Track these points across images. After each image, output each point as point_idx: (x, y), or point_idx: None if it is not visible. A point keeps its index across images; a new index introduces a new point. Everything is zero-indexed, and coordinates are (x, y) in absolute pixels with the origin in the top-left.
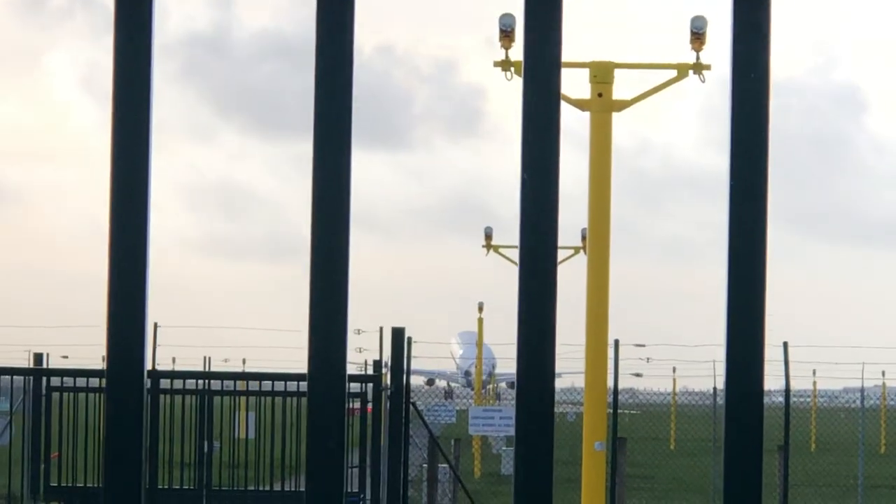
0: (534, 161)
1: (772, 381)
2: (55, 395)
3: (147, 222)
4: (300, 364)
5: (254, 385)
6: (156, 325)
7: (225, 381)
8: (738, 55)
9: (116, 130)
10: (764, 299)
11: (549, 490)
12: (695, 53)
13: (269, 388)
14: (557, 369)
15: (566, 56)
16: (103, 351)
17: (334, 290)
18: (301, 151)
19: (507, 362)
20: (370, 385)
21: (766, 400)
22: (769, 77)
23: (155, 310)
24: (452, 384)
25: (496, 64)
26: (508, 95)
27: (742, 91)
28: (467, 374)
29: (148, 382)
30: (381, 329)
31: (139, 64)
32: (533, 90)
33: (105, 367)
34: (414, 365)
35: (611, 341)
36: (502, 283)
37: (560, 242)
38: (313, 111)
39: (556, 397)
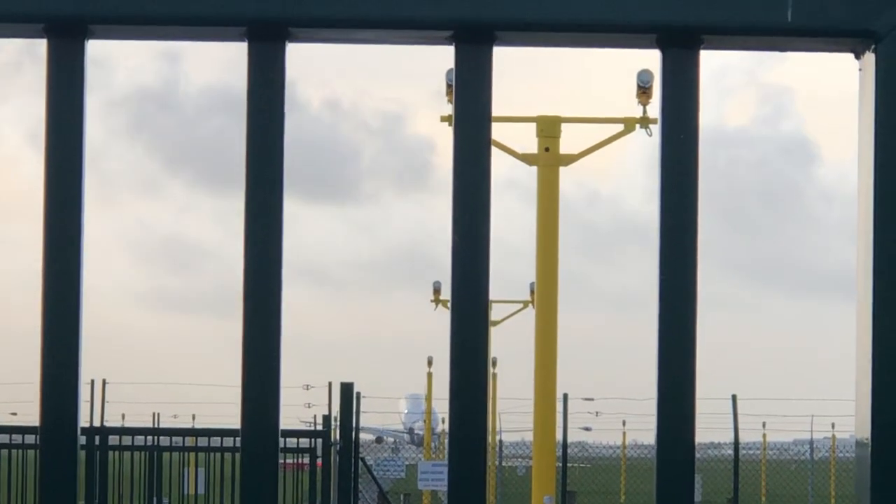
0: (464, 222)
1: (721, 433)
2: (3, 451)
3: (80, 274)
4: None
5: (203, 441)
6: (104, 382)
7: (174, 437)
8: (666, 116)
9: (49, 186)
10: (694, 355)
11: None
12: (641, 107)
13: (219, 444)
14: (506, 424)
15: (513, 111)
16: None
17: (267, 344)
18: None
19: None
20: (319, 440)
21: (715, 453)
22: (698, 137)
23: (104, 365)
24: (398, 442)
25: (443, 119)
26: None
27: (671, 151)
28: (411, 430)
29: (96, 439)
30: (329, 384)
31: (72, 112)
32: (463, 146)
33: (39, 424)
34: (362, 421)
35: (559, 395)
36: None
37: (508, 296)
38: (245, 164)
39: (506, 451)
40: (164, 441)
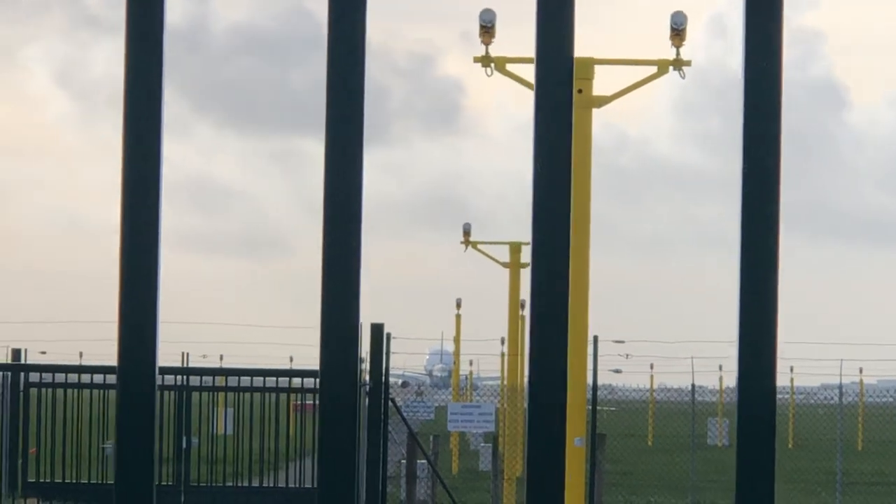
0: (546, 153)
1: None
2: (33, 391)
3: (158, 221)
4: (278, 360)
5: (232, 381)
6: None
7: (203, 377)
8: (750, 42)
9: (128, 131)
10: (776, 293)
11: (561, 484)
12: (675, 49)
13: (248, 384)
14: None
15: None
16: (81, 346)
17: (346, 289)
18: (276, 146)
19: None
20: None
21: None
22: (781, 65)
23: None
24: (422, 384)
25: (476, 59)
26: (487, 90)
27: (754, 80)
28: (430, 372)
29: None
30: (359, 325)
31: (150, 65)
32: (544, 82)
33: (117, 365)
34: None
35: (590, 338)
36: (481, 279)
37: None
38: (326, 111)
39: None
40: (193, 381)
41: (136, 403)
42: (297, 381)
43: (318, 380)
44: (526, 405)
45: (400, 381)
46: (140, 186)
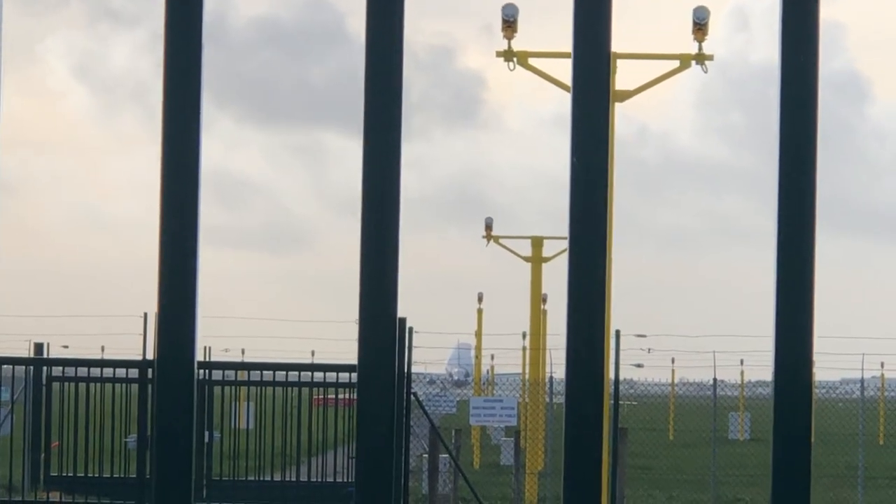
0: (583, 146)
1: (768, 372)
2: (55, 384)
3: (197, 215)
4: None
5: (253, 375)
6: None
7: (225, 372)
8: (787, 39)
9: (166, 127)
10: (813, 289)
11: (598, 479)
12: (697, 44)
13: (269, 378)
14: (557, 360)
15: (567, 46)
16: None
17: (383, 282)
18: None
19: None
20: None
21: (764, 391)
22: (818, 61)
23: (154, 299)
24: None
25: (499, 54)
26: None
27: (790, 76)
28: (450, 373)
29: (149, 372)
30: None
31: (189, 60)
32: (582, 76)
33: (155, 359)
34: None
35: (612, 332)
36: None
37: (561, 232)
38: (363, 106)
39: (557, 387)
40: (215, 375)
41: (175, 397)
42: (318, 375)
43: (338, 373)
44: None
45: (427, 379)
46: (179, 182)
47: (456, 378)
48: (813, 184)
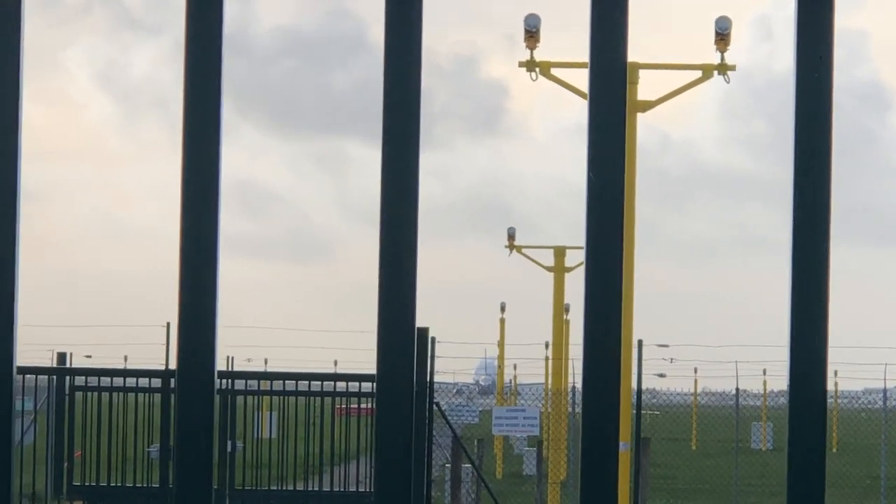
0: (600, 159)
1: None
2: (78, 394)
3: (218, 223)
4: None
5: (276, 385)
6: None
7: (248, 381)
8: (802, 53)
9: (187, 136)
10: (827, 298)
11: (615, 490)
12: (719, 54)
13: (292, 388)
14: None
15: (587, 56)
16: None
17: (402, 291)
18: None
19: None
20: None
21: (783, 401)
22: (832, 76)
23: (175, 309)
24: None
25: (521, 64)
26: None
27: (806, 90)
28: (477, 382)
29: (171, 382)
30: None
31: (210, 69)
32: (598, 88)
33: (176, 368)
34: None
35: (634, 342)
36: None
37: (582, 243)
38: (382, 115)
39: (579, 398)
40: (238, 385)
41: (196, 407)
42: (341, 385)
43: (361, 383)
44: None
45: (455, 389)
46: (199, 191)
47: (483, 384)
48: (827, 194)
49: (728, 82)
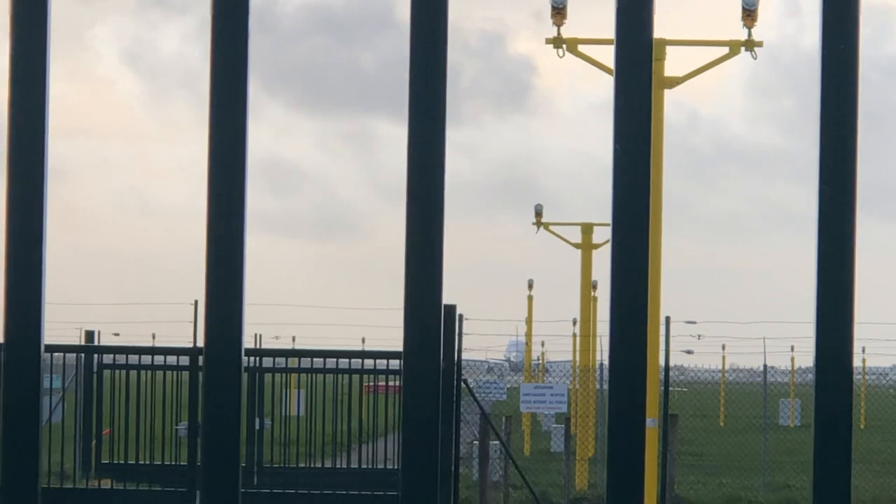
0: (626, 135)
1: None
2: (106, 372)
3: (245, 201)
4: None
5: (304, 362)
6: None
7: (276, 359)
8: (827, 26)
9: (214, 114)
10: (854, 277)
11: (642, 467)
12: (746, 30)
13: (320, 366)
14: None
15: (614, 33)
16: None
17: (428, 268)
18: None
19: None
20: None
21: (812, 378)
22: (858, 50)
23: (202, 286)
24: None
25: (548, 41)
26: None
27: (831, 64)
28: (508, 359)
29: (199, 360)
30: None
31: (237, 47)
32: (624, 64)
33: (204, 346)
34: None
35: (662, 319)
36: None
37: (610, 219)
38: (408, 92)
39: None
40: (266, 362)
41: (223, 384)
42: (368, 363)
43: (389, 361)
44: (599, 386)
45: (486, 367)
46: (226, 168)
47: (515, 361)
48: (854, 169)
49: (755, 58)
